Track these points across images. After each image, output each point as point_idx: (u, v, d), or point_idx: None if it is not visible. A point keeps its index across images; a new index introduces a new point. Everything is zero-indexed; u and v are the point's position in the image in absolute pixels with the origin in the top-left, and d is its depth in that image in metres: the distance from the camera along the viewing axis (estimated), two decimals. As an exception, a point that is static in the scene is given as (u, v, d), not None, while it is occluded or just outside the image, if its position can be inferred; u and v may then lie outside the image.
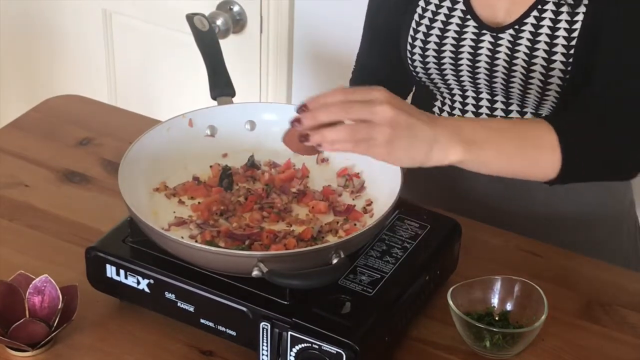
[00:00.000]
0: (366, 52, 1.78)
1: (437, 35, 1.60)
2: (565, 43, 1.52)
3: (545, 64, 1.53)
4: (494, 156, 1.34)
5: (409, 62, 1.64)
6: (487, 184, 1.69)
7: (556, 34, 1.52)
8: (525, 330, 1.36)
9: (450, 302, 1.37)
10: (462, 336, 1.38)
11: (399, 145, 1.26)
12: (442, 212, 1.51)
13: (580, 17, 1.51)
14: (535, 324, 1.36)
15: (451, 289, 1.39)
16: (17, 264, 1.48)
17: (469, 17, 1.58)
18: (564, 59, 1.53)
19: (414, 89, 1.77)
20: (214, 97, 1.57)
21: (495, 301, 1.42)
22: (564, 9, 1.52)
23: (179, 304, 1.36)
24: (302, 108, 1.27)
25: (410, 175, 1.48)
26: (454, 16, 1.60)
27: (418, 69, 1.64)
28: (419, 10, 1.62)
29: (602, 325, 1.44)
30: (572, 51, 1.52)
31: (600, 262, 1.57)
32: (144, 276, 1.36)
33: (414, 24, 1.62)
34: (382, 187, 1.44)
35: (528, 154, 1.37)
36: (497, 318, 1.40)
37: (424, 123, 1.27)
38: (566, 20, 1.52)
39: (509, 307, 1.42)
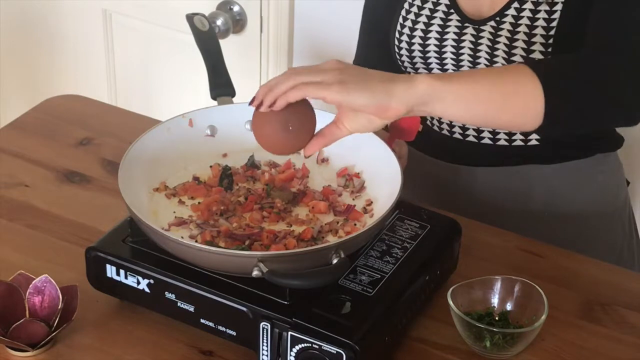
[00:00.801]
0: (362, 51, 1.79)
1: (422, 30, 1.62)
2: (544, 33, 1.53)
3: (524, 54, 1.54)
4: (465, 91, 1.27)
5: (397, 56, 1.66)
6: (486, 181, 1.69)
7: (535, 24, 1.53)
8: (525, 330, 1.36)
9: (450, 302, 1.37)
10: (462, 336, 1.38)
11: (354, 84, 1.25)
12: (442, 212, 1.51)
13: (559, 7, 1.52)
14: (535, 324, 1.36)
15: (451, 289, 1.39)
16: (17, 264, 1.48)
17: (452, 10, 1.60)
18: (542, 49, 1.53)
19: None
20: (214, 97, 1.57)
21: (495, 301, 1.42)
22: None
23: (179, 304, 1.36)
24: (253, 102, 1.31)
25: (410, 176, 1.49)
26: (438, 10, 1.62)
27: (406, 63, 1.66)
28: (406, 5, 1.64)
29: (602, 325, 1.44)
30: (550, 41, 1.53)
31: (600, 262, 1.57)
32: (144, 276, 1.36)
33: (401, 19, 1.65)
34: (382, 187, 1.44)
35: (504, 90, 1.29)
36: (497, 318, 1.40)
37: (378, 71, 1.27)
38: (545, 11, 1.53)
39: (509, 307, 1.42)
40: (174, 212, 1.44)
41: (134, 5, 2.48)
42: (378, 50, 1.73)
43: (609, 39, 1.40)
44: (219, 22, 2.33)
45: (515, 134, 1.63)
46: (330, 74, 1.26)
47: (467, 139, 1.66)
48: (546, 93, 1.28)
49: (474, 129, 1.65)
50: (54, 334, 1.36)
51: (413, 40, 1.63)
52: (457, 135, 1.67)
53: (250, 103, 1.31)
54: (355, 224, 1.42)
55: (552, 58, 1.43)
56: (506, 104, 1.29)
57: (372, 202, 1.46)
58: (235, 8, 2.35)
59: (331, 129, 1.32)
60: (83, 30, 2.59)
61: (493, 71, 1.35)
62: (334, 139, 1.32)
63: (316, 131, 1.34)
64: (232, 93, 1.57)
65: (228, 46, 2.11)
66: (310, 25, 2.34)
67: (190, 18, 1.63)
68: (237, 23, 2.36)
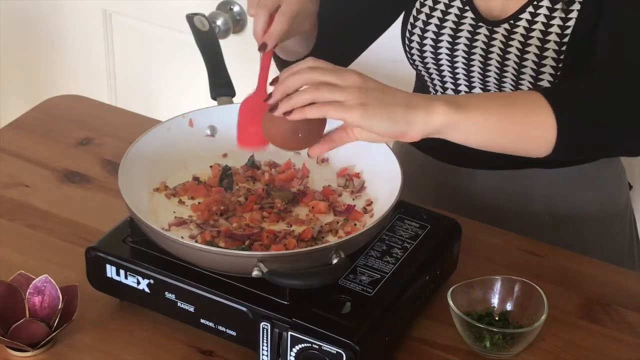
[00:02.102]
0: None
1: (435, 25, 1.62)
2: (558, 40, 1.53)
3: (536, 59, 1.54)
4: (481, 121, 1.26)
5: (407, 49, 1.65)
6: (486, 184, 1.69)
7: (549, 30, 1.53)
8: (525, 330, 1.36)
9: (450, 302, 1.37)
10: (462, 336, 1.38)
11: (373, 109, 1.21)
12: (442, 212, 1.51)
13: (574, 15, 1.52)
14: (535, 324, 1.36)
15: (451, 289, 1.39)
16: (17, 264, 1.48)
17: (467, 8, 1.60)
18: (555, 56, 1.53)
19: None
20: (214, 97, 1.57)
21: (495, 301, 1.42)
22: (559, 6, 1.52)
23: (179, 304, 1.36)
24: (274, 81, 1.27)
25: (411, 177, 1.48)
26: (452, 6, 1.61)
27: (415, 57, 1.65)
28: (417, 3, 1.63)
29: (602, 325, 1.44)
30: (563, 48, 1.52)
31: (600, 262, 1.57)
32: (144, 276, 1.36)
33: (414, 12, 1.63)
34: (382, 187, 1.44)
35: (519, 120, 1.28)
36: (497, 318, 1.40)
37: (397, 89, 1.24)
38: (560, 17, 1.53)
39: (509, 307, 1.42)
40: (174, 212, 1.44)
41: (134, 5, 2.48)
42: (329, 45, 1.69)
43: (621, 64, 1.39)
44: (219, 22, 2.33)
45: None
46: (352, 93, 1.22)
47: None
48: (559, 125, 1.27)
49: None
50: (54, 334, 1.36)
51: (426, 34, 1.62)
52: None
53: (266, 100, 1.28)
54: (355, 224, 1.42)
55: (565, 85, 1.39)
56: (521, 134, 1.29)
57: (372, 202, 1.46)
58: (235, 8, 2.35)
59: (340, 135, 1.30)
60: (83, 30, 2.59)
61: (508, 99, 1.32)
62: (341, 144, 1.31)
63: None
64: (232, 93, 1.57)
65: (228, 46, 2.11)
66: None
67: (190, 18, 1.63)
68: (237, 23, 2.36)
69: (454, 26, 1.60)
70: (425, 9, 1.63)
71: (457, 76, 1.63)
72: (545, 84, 1.55)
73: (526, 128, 1.28)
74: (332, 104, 1.22)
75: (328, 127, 1.32)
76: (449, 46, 1.61)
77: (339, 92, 1.22)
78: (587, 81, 1.36)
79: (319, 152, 1.32)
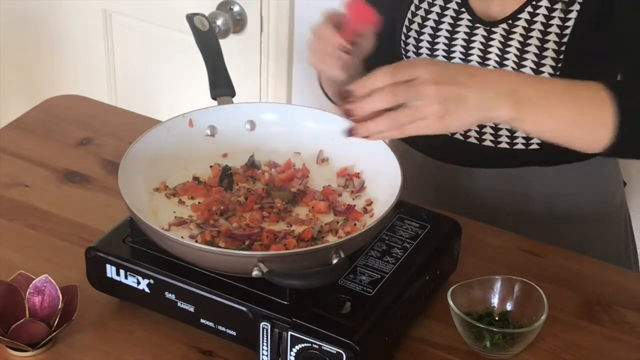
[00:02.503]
0: None
1: (431, 27, 1.62)
2: (557, 40, 1.53)
3: (536, 59, 1.54)
4: (545, 119, 1.31)
5: (403, 54, 1.65)
6: (486, 183, 1.69)
7: (549, 30, 1.53)
8: (525, 330, 1.36)
9: (450, 302, 1.37)
10: (462, 336, 1.38)
11: (452, 117, 1.26)
12: (442, 212, 1.51)
13: (573, 15, 1.52)
14: (535, 324, 1.36)
15: (451, 289, 1.39)
16: (17, 264, 1.48)
17: (463, 10, 1.60)
18: (554, 56, 1.53)
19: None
20: (214, 97, 1.57)
21: (495, 301, 1.42)
22: (558, 5, 1.52)
23: (179, 304, 1.36)
24: (349, 95, 1.28)
25: (411, 176, 1.48)
26: (448, 8, 1.61)
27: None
28: (415, 1, 1.63)
29: (602, 325, 1.44)
30: (563, 48, 1.52)
31: (600, 262, 1.57)
32: (144, 276, 1.37)
33: (409, 14, 1.64)
34: (382, 187, 1.44)
35: (580, 120, 1.33)
36: (497, 318, 1.40)
37: (471, 88, 1.26)
38: (559, 17, 1.53)
39: (509, 307, 1.42)
40: (174, 212, 1.44)
41: (134, 5, 2.48)
42: (377, 45, 1.71)
43: None
44: (219, 22, 2.33)
45: (517, 137, 1.63)
46: (430, 109, 1.25)
47: (469, 140, 1.66)
48: (619, 130, 1.32)
49: (475, 130, 1.65)
50: (54, 334, 1.36)
51: (421, 37, 1.62)
52: (458, 136, 1.66)
53: (348, 133, 1.30)
54: (355, 224, 1.42)
55: (628, 84, 1.41)
56: (578, 134, 1.34)
57: (372, 202, 1.46)
58: (235, 8, 2.35)
59: None
60: (83, 30, 2.59)
61: (574, 95, 1.34)
62: None
63: None
64: (232, 93, 1.57)
65: (228, 46, 2.11)
66: (310, 25, 2.33)
67: (190, 18, 1.63)
68: (237, 23, 2.36)
69: (450, 28, 1.61)
70: (421, 12, 1.63)
71: None
72: None
73: (587, 127, 1.33)
74: (410, 126, 1.26)
75: None
76: (446, 48, 1.61)
77: (418, 113, 1.25)
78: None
79: None
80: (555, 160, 1.66)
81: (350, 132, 1.30)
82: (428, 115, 1.25)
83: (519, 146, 1.64)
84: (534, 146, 1.63)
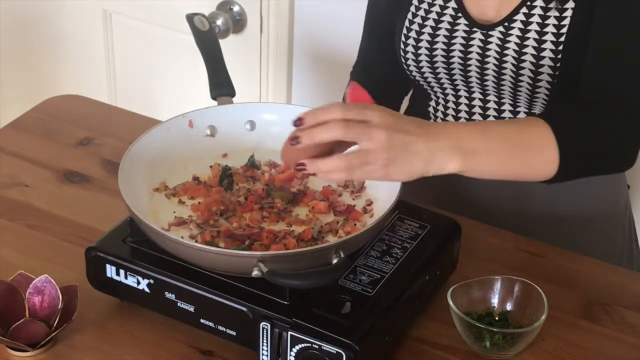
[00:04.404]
0: (366, 48, 1.78)
1: (429, 34, 1.62)
2: (554, 39, 1.53)
3: (534, 60, 1.54)
4: (492, 163, 1.33)
5: (402, 59, 1.65)
6: (486, 184, 1.69)
7: (545, 30, 1.53)
8: (525, 330, 1.36)
9: (450, 302, 1.37)
10: (462, 336, 1.38)
11: (396, 166, 1.26)
12: (442, 212, 1.51)
13: (569, 13, 1.52)
14: (535, 324, 1.36)
15: (451, 289, 1.39)
16: (17, 264, 1.48)
17: (460, 15, 1.60)
18: (552, 56, 1.53)
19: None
20: (214, 97, 1.57)
21: (495, 301, 1.42)
22: (552, 5, 1.52)
23: (179, 304, 1.36)
24: (299, 122, 1.26)
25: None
26: (445, 14, 1.61)
27: (411, 67, 1.65)
28: (412, 8, 1.63)
29: (602, 325, 1.44)
30: (560, 47, 1.53)
31: (600, 262, 1.57)
32: (144, 276, 1.36)
33: (407, 22, 1.64)
34: (382, 187, 1.44)
35: (526, 158, 1.37)
36: (497, 318, 1.40)
37: (419, 138, 1.27)
38: (555, 17, 1.53)
39: (509, 307, 1.42)
40: (174, 212, 1.44)
41: (134, 5, 2.48)
42: (382, 49, 1.73)
43: (615, 92, 1.48)
44: (219, 22, 2.33)
45: None
46: (376, 157, 1.25)
47: None
48: (561, 161, 1.36)
49: None
50: (54, 334, 1.36)
51: (420, 44, 1.62)
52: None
53: (291, 141, 1.28)
54: (355, 224, 1.42)
55: (568, 115, 1.45)
56: (524, 173, 1.39)
57: (372, 202, 1.46)
58: (235, 8, 2.35)
59: None
60: (83, 30, 2.59)
61: (514, 140, 1.36)
62: None
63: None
64: (232, 93, 1.57)
65: (228, 46, 2.11)
66: (310, 25, 2.34)
67: (190, 18, 1.63)
68: (237, 23, 2.36)
69: (447, 33, 1.61)
70: (418, 19, 1.63)
71: (456, 82, 1.63)
72: (543, 84, 1.55)
73: (533, 162, 1.38)
74: (357, 169, 1.26)
75: None
76: (444, 54, 1.61)
77: (367, 159, 1.25)
78: (584, 108, 1.45)
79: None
80: None
81: (300, 166, 1.27)
82: (374, 162, 1.25)
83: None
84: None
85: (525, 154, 1.36)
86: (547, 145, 1.36)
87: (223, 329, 1.34)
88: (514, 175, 1.39)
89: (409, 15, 1.64)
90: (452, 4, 1.60)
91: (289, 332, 1.28)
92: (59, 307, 1.36)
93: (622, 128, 1.44)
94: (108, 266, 1.38)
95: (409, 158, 1.26)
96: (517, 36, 1.55)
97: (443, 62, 1.62)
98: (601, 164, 1.46)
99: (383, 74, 1.73)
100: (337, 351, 1.26)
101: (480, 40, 1.58)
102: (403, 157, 1.26)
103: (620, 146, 1.45)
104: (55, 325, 1.36)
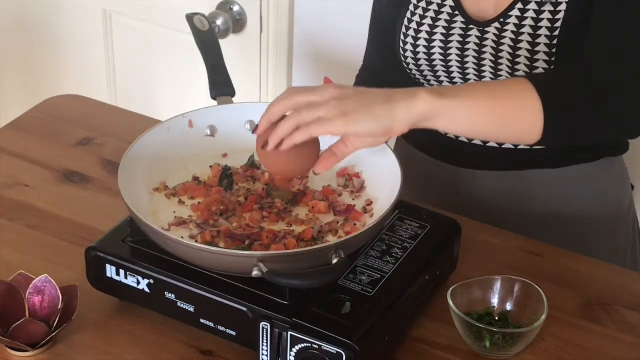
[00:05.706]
0: (372, 53, 1.79)
1: (427, 31, 1.62)
2: (549, 34, 1.53)
3: (529, 55, 1.54)
4: (467, 108, 1.29)
5: (402, 57, 1.66)
6: (487, 184, 1.69)
7: (539, 24, 1.53)
8: (525, 330, 1.36)
9: (450, 302, 1.37)
10: (462, 336, 1.38)
11: (356, 113, 1.26)
12: (442, 212, 1.51)
13: (563, 7, 1.52)
14: (535, 324, 1.36)
15: (451, 289, 1.39)
16: (17, 264, 1.48)
17: (457, 12, 1.60)
18: (547, 50, 1.53)
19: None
20: (214, 97, 1.57)
21: (495, 301, 1.42)
22: None
23: (179, 304, 1.36)
24: (256, 129, 1.35)
25: (411, 177, 1.48)
26: (443, 12, 1.61)
27: (411, 65, 1.65)
28: (411, 7, 1.64)
29: (602, 325, 1.44)
30: (555, 42, 1.53)
31: (600, 262, 1.57)
32: (144, 276, 1.37)
33: (406, 21, 1.64)
34: (382, 187, 1.44)
35: (505, 105, 1.32)
36: (497, 318, 1.40)
37: (376, 89, 1.28)
38: (549, 12, 1.53)
39: (509, 307, 1.42)
40: (174, 212, 1.44)
41: (134, 5, 2.48)
42: (384, 49, 1.73)
43: (608, 49, 1.42)
44: (219, 22, 2.33)
45: None
46: (330, 106, 1.27)
47: (473, 141, 1.66)
48: (545, 108, 1.31)
49: None
50: (54, 334, 1.36)
51: (418, 42, 1.63)
52: (462, 139, 1.66)
53: (254, 131, 1.35)
54: (355, 224, 1.42)
55: (552, 70, 1.43)
56: (506, 120, 1.33)
57: (372, 202, 1.46)
58: (235, 8, 2.35)
59: (340, 147, 1.36)
60: (83, 30, 2.59)
61: (493, 86, 1.36)
62: (343, 156, 1.37)
63: (324, 148, 1.38)
64: (232, 93, 1.57)
65: (228, 46, 2.11)
66: (310, 25, 2.34)
67: (190, 18, 1.63)
68: (237, 23, 2.37)
69: (445, 31, 1.61)
70: (416, 18, 1.63)
71: (454, 80, 1.63)
72: None
73: (513, 113, 1.31)
74: (315, 122, 1.27)
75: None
76: (442, 51, 1.62)
77: (319, 109, 1.27)
78: (573, 65, 1.40)
79: (323, 169, 1.38)
80: (560, 161, 1.66)
81: (265, 145, 1.33)
82: (327, 112, 1.26)
83: (523, 146, 1.63)
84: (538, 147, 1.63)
85: (504, 99, 1.32)
86: (528, 92, 1.31)
87: (223, 329, 1.34)
88: (494, 127, 1.33)
89: (408, 14, 1.64)
90: (450, 2, 1.61)
91: (289, 332, 1.28)
92: (59, 307, 1.36)
93: (619, 83, 1.36)
94: (108, 266, 1.38)
95: (367, 104, 1.26)
96: (512, 32, 1.55)
97: (441, 59, 1.62)
98: (595, 124, 1.37)
99: (389, 80, 1.73)
100: (337, 351, 1.26)
101: (477, 37, 1.59)
102: (360, 102, 1.26)
103: (616, 105, 1.36)
104: (55, 325, 1.36)
